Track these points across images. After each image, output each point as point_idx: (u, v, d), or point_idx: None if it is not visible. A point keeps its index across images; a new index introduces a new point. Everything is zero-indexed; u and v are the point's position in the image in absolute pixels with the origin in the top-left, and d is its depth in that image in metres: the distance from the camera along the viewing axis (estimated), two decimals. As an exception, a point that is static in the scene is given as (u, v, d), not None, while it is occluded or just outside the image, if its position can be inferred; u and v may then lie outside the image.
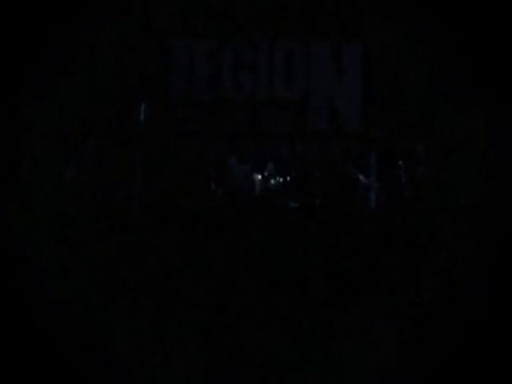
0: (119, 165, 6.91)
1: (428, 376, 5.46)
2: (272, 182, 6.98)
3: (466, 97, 6.51)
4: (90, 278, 6.41)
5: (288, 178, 6.96)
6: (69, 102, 6.78)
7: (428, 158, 6.58)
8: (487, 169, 6.23)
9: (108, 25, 6.85)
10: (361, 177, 6.69)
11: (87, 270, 6.47)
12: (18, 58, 6.64)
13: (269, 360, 6.00)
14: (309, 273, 6.40)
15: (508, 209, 5.93)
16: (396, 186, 6.62)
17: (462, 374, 5.40)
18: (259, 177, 7.03)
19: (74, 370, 5.76)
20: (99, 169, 6.81)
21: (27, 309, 6.03)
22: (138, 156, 7.00)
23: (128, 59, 7.02)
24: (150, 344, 6.10)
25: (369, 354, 5.66)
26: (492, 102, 6.39)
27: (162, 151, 7.02)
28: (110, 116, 6.92)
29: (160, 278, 6.55)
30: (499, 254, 5.88)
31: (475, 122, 6.38)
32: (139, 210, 6.80)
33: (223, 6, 7.02)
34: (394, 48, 6.73)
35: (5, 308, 5.95)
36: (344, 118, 6.91)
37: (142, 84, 7.02)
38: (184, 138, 7.10)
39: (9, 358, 5.67)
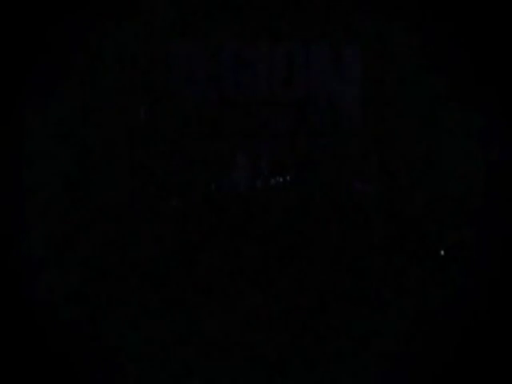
0: (119, 165, 6.93)
1: (430, 377, 5.47)
2: (272, 181, 7.00)
3: (466, 97, 6.52)
4: (91, 279, 6.44)
5: (288, 178, 6.97)
6: (70, 105, 6.81)
7: (427, 158, 6.60)
8: (486, 168, 6.25)
9: (108, 26, 6.88)
10: (359, 183, 6.71)
11: (87, 271, 6.50)
12: (19, 61, 6.66)
13: (267, 357, 6.03)
14: (309, 273, 6.42)
15: (507, 208, 5.94)
16: (395, 186, 6.64)
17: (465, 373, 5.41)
18: (259, 176, 7.03)
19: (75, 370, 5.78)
20: (100, 169, 6.83)
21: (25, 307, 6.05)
22: (137, 155, 7.02)
23: (129, 60, 7.05)
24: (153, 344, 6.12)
25: (368, 350, 5.68)
26: (492, 101, 6.41)
27: (163, 151, 7.04)
28: (110, 117, 6.94)
29: (158, 279, 6.57)
30: (498, 253, 5.89)
31: (475, 122, 6.40)
32: (138, 210, 6.82)
33: (223, 6, 7.04)
34: (394, 48, 6.75)
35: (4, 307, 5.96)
36: (344, 117, 6.93)
37: (142, 85, 7.04)
38: (184, 138, 7.12)
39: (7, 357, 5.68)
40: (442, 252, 5.76)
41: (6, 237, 6.27)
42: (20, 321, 5.89)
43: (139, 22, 7.14)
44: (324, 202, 6.72)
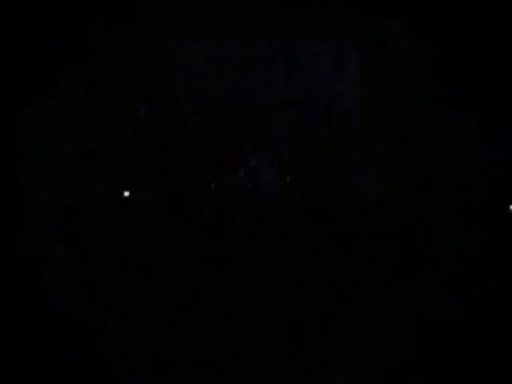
0: (122, 164, 6.93)
1: (427, 375, 5.47)
2: (273, 181, 6.99)
3: (465, 97, 6.51)
4: (93, 278, 6.43)
5: (288, 179, 6.97)
6: (71, 103, 6.80)
7: (427, 158, 6.60)
8: (484, 168, 6.24)
9: (110, 27, 6.87)
10: (360, 178, 6.70)
11: (89, 269, 6.49)
12: (22, 60, 6.66)
13: (269, 356, 6.01)
14: (310, 271, 6.42)
15: (504, 206, 5.94)
16: (395, 185, 6.64)
17: (461, 372, 5.40)
18: (260, 177, 7.03)
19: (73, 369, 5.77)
20: (102, 169, 6.83)
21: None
22: (139, 156, 7.02)
23: (130, 61, 7.05)
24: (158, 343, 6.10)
25: (368, 353, 5.67)
26: (490, 102, 6.40)
27: (164, 150, 7.03)
28: (112, 116, 6.94)
29: (160, 276, 6.56)
30: (496, 251, 5.89)
31: (473, 122, 6.40)
32: (142, 208, 6.81)
33: (223, 7, 7.03)
34: (394, 48, 6.73)
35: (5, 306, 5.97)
36: (344, 118, 6.93)
37: (143, 85, 7.04)
38: (185, 137, 7.11)
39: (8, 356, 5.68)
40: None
41: (5, 237, 6.28)
42: (20, 319, 5.89)
43: (141, 23, 7.13)
44: (325, 200, 6.72)
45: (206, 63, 7.32)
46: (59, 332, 6.05)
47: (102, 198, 6.95)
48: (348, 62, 7.07)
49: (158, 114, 7.04)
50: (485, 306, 5.73)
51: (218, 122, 7.17)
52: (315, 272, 6.45)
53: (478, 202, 6.18)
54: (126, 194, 6.68)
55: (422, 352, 5.45)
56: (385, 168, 6.75)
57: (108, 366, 5.94)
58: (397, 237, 6.42)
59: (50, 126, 6.72)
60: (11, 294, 6.15)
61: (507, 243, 6.02)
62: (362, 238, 6.55)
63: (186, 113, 7.27)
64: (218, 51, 7.26)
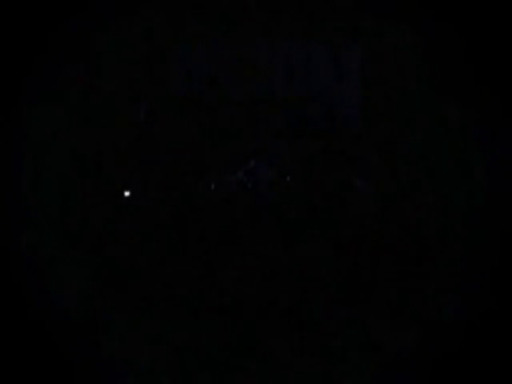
0: (120, 164, 6.95)
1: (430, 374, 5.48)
2: (272, 181, 7.01)
3: (466, 97, 6.53)
4: (92, 278, 6.46)
5: (288, 178, 6.99)
6: (71, 103, 6.82)
7: (426, 158, 6.61)
8: (484, 167, 6.26)
9: (110, 27, 6.90)
10: (358, 180, 6.72)
11: (89, 270, 6.52)
12: (23, 60, 6.68)
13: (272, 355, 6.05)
14: (309, 269, 6.44)
15: (505, 206, 5.95)
16: (395, 185, 6.65)
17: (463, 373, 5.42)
18: (259, 176, 7.04)
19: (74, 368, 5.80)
20: (101, 168, 6.85)
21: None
22: (138, 154, 7.03)
23: (130, 60, 7.07)
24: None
25: (367, 350, 5.70)
26: (490, 102, 6.42)
27: (162, 149, 7.05)
28: (111, 115, 6.96)
29: (161, 274, 6.59)
30: (497, 251, 5.90)
31: (474, 123, 6.41)
32: (139, 208, 6.84)
33: (224, 7, 7.05)
34: (394, 49, 6.76)
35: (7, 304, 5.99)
36: (344, 118, 6.95)
37: (143, 85, 7.06)
38: (184, 137, 7.14)
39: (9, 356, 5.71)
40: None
41: (5, 237, 6.30)
42: (23, 320, 5.92)
43: (141, 23, 7.15)
44: (323, 201, 6.74)
45: (206, 63, 7.34)
46: (59, 332, 6.08)
47: (102, 198, 6.97)
48: (348, 62, 7.09)
49: (158, 114, 7.07)
50: (485, 306, 5.75)
51: (217, 122, 7.20)
52: (315, 273, 6.48)
53: (478, 203, 6.20)
54: (127, 193, 6.70)
55: (422, 352, 5.48)
56: (385, 169, 6.78)
57: (108, 367, 5.98)
58: (397, 239, 6.44)
59: (50, 126, 6.74)
60: (11, 294, 6.18)
61: (507, 243, 6.04)
62: (361, 239, 6.58)
63: (186, 113, 7.30)
64: (218, 51, 7.28)
